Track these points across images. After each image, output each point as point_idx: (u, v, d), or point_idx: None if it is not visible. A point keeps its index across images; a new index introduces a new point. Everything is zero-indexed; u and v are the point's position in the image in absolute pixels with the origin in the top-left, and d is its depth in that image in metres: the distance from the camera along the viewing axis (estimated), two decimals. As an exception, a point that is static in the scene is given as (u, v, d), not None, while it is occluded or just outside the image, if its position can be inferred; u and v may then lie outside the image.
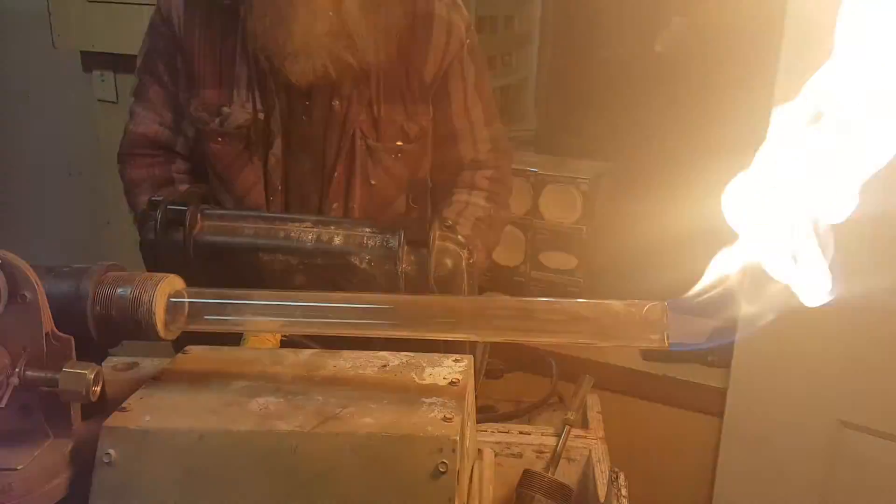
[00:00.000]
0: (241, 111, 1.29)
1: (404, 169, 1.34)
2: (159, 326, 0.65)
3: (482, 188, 1.40)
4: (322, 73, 1.21)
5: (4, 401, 0.60)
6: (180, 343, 0.77)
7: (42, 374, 0.59)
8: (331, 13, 1.19)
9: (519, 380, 1.50)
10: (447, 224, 1.06)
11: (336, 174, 1.31)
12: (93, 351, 0.66)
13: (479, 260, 1.21)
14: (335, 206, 1.32)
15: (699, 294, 0.60)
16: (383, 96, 1.30)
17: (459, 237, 1.04)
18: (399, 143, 1.32)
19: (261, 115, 1.28)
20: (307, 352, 0.75)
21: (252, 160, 1.30)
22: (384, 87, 1.30)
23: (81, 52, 2.22)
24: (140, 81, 1.37)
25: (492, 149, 1.42)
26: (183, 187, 1.35)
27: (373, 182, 1.32)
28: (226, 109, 1.29)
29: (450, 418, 0.62)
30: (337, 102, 1.28)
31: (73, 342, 0.63)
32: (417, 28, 1.31)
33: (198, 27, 1.29)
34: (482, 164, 1.41)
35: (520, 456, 1.07)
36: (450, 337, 0.66)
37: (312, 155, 1.31)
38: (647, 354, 1.78)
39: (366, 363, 0.72)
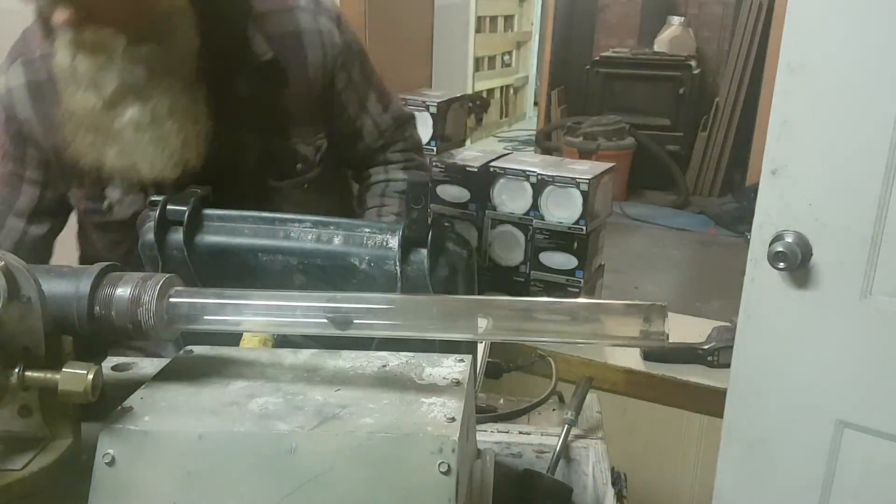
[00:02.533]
0: (131, 197, 1.21)
1: (316, 196, 1.29)
2: (159, 326, 0.65)
3: (396, 161, 1.40)
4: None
5: (4, 401, 0.60)
6: (180, 343, 0.77)
7: (42, 375, 0.59)
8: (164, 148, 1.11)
9: (519, 380, 1.50)
10: (445, 224, 1.05)
11: None
12: (93, 351, 0.66)
13: None
14: None
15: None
16: (275, 133, 1.23)
17: (461, 235, 1.04)
18: (299, 165, 1.26)
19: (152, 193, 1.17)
20: (307, 352, 0.75)
21: None
22: (272, 125, 1.22)
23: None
24: None
25: (395, 127, 1.40)
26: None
27: None
28: (109, 192, 1.21)
29: (450, 418, 0.62)
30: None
31: (72, 342, 0.63)
32: (288, 52, 1.23)
33: (55, 113, 1.16)
34: (390, 143, 1.40)
35: (520, 456, 1.07)
36: (450, 337, 0.66)
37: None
38: (648, 354, 1.79)
39: (366, 363, 0.72)
